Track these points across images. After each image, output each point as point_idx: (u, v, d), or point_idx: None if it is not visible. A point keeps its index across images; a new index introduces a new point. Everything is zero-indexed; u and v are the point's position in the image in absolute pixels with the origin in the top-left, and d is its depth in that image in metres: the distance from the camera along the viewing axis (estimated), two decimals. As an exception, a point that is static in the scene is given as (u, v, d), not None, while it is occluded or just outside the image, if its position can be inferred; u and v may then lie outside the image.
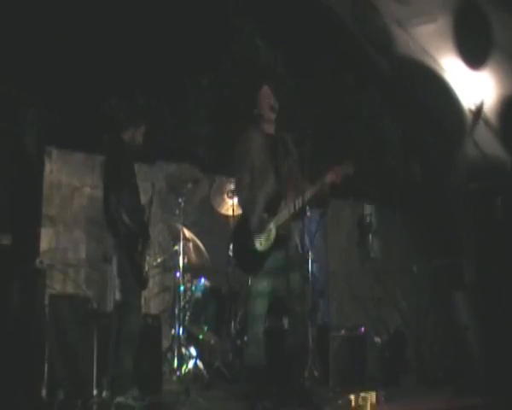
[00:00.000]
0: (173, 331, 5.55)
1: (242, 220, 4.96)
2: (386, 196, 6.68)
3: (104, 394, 4.64)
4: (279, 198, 4.77)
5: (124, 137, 4.75)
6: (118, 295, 4.65)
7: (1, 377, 3.65)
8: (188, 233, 5.81)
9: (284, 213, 4.71)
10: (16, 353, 3.72)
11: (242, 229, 4.82)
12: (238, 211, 5.64)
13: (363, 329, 5.62)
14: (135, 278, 4.62)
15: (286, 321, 5.08)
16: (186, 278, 5.68)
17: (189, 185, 5.72)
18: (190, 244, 5.84)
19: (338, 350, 5.41)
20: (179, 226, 5.73)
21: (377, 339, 5.78)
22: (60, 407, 3.95)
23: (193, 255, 5.84)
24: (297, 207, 4.78)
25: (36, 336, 3.84)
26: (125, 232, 4.55)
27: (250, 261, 4.76)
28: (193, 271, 5.80)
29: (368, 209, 6.92)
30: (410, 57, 6.69)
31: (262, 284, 4.73)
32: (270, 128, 4.88)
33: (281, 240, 4.73)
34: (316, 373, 5.17)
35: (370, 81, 7.10)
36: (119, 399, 4.47)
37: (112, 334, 4.63)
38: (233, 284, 5.58)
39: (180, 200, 5.67)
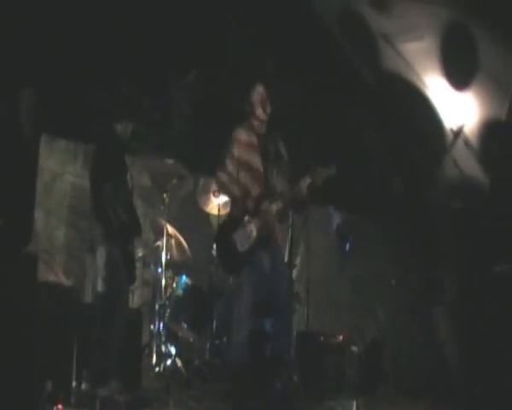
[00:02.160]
0: (152, 327, 5.52)
1: (225, 220, 4.96)
2: (366, 205, 6.77)
3: (83, 386, 4.57)
4: (262, 198, 4.79)
5: (116, 127, 4.71)
6: (102, 287, 4.57)
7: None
8: (171, 229, 5.76)
9: (267, 214, 4.72)
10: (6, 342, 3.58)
11: (225, 228, 4.82)
12: (224, 210, 5.65)
13: (341, 337, 5.68)
14: (125, 272, 4.57)
15: (269, 323, 5.10)
16: (167, 274, 5.64)
17: (174, 181, 5.71)
18: (173, 241, 5.79)
19: (316, 357, 5.47)
20: (162, 222, 5.69)
21: (354, 348, 5.84)
22: (48, 398, 3.83)
23: (175, 252, 5.78)
24: (279, 208, 4.83)
25: (26, 326, 3.71)
26: (117, 224, 4.48)
27: (231, 261, 4.76)
28: (174, 267, 5.76)
29: (347, 217, 7.00)
30: (395, 72, 6.82)
31: (245, 285, 4.75)
32: (261, 128, 4.90)
33: (263, 241, 4.74)
34: (295, 378, 5.22)
35: (355, 91, 7.22)
36: (100, 391, 4.42)
37: (95, 326, 4.56)
38: (215, 283, 5.58)
39: (165, 195, 5.64)
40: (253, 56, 6.28)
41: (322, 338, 5.51)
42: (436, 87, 6.80)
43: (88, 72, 5.49)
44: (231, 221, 4.76)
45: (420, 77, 6.92)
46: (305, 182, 4.65)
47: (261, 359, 4.79)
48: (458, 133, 6.74)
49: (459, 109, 6.74)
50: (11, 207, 3.90)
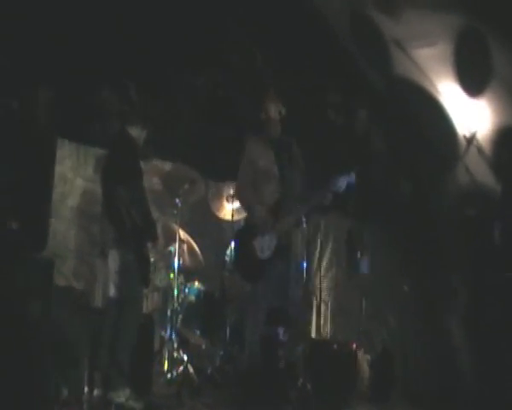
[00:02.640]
0: (164, 333, 5.46)
1: (244, 226, 4.91)
2: (376, 212, 6.72)
3: (96, 392, 4.51)
4: (281, 205, 4.75)
5: (131, 130, 4.67)
6: (114, 292, 4.53)
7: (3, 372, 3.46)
8: (183, 234, 5.72)
9: (286, 222, 4.68)
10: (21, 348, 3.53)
11: (244, 235, 4.78)
12: (237, 216, 5.60)
13: (354, 345, 5.63)
14: (139, 276, 4.52)
15: (282, 331, 5.06)
16: (179, 280, 5.59)
17: (186, 186, 5.66)
18: (185, 246, 5.75)
19: (330, 365, 5.41)
20: (174, 227, 5.64)
21: (366, 355, 5.79)
22: (62, 404, 3.78)
23: (187, 257, 5.74)
24: (299, 216, 4.79)
25: (41, 331, 3.66)
26: (131, 228, 4.44)
27: (251, 268, 4.71)
28: (186, 273, 5.72)
29: (357, 225, 6.95)
30: (406, 77, 6.77)
31: (261, 292, 4.70)
32: (275, 133, 4.86)
33: (282, 249, 4.70)
34: (308, 386, 5.16)
35: (363, 96, 7.18)
36: (112, 398, 4.37)
37: (107, 331, 4.51)
38: (228, 289, 5.53)
39: (177, 200, 5.59)
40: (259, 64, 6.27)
41: (335, 346, 5.49)
42: (449, 93, 6.75)
43: (100, 74, 5.46)
44: (251, 228, 4.72)
45: (433, 83, 6.88)
46: (327, 189, 4.62)
47: (275, 367, 4.75)
48: (471, 140, 6.70)
49: (472, 116, 6.69)
50: (26, 210, 3.86)
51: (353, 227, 7.02)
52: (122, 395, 4.43)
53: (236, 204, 5.62)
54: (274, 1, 6.61)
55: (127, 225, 4.45)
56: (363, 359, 5.70)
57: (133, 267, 4.50)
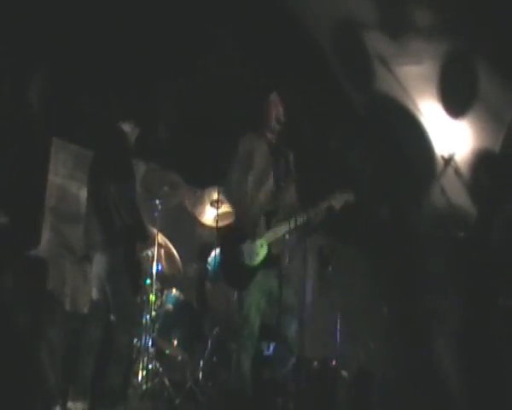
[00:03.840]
0: (138, 343, 5.14)
1: (233, 230, 4.70)
2: (351, 231, 6.63)
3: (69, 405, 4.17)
4: (274, 213, 4.57)
5: (124, 127, 4.40)
6: (99, 298, 4.20)
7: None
8: (161, 238, 5.42)
9: (278, 231, 4.50)
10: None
11: (232, 239, 4.56)
12: (222, 222, 5.37)
13: (334, 362, 5.48)
14: (130, 281, 4.21)
15: (272, 347, 4.85)
16: (155, 286, 5.30)
17: (166, 188, 5.38)
18: (162, 251, 5.46)
19: (311, 381, 5.25)
20: (153, 230, 5.35)
21: (344, 373, 5.65)
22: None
23: (165, 263, 5.42)
24: (292, 228, 4.62)
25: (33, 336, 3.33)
26: (121, 230, 4.13)
27: (237, 274, 4.49)
28: (163, 280, 5.42)
29: (329, 241, 6.84)
30: (388, 94, 6.76)
31: (250, 303, 4.49)
32: (274, 140, 4.68)
33: (272, 259, 4.51)
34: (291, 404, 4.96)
35: (342, 114, 7.11)
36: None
37: (89, 342, 4.18)
38: (210, 300, 5.27)
39: (157, 202, 5.30)
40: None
41: (315, 363, 5.33)
42: (431, 113, 6.78)
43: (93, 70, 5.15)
44: (241, 232, 4.49)
45: (415, 102, 6.88)
46: (324, 205, 4.47)
47: (261, 384, 4.54)
48: (449, 161, 6.76)
49: (453, 137, 6.75)
50: (18, 207, 3.55)
51: (325, 244, 6.93)
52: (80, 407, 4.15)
53: (222, 210, 5.41)
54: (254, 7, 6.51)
55: (116, 226, 4.17)
56: (342, 377, 5.59)
57: (122, 272, 4.22)
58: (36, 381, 3.51)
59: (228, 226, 5.14)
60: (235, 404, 4.45)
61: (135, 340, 4.96)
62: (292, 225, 4.50)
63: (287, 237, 4.58)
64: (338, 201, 4.47)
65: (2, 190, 3.64)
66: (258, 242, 4.39)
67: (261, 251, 4.39)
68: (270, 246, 4.42)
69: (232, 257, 4.43)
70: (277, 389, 4.58)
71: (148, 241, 5.26)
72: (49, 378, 3.92)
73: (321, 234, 7.03)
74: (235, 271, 4.44)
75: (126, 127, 4.35)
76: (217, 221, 5.37)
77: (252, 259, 4.35)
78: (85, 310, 4.75)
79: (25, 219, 3.76)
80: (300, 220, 4.50)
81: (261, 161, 4.59)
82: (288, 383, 4.70)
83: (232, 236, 4.57)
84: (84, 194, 4.90)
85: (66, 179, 5.55)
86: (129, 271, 4.09)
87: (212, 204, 5.44)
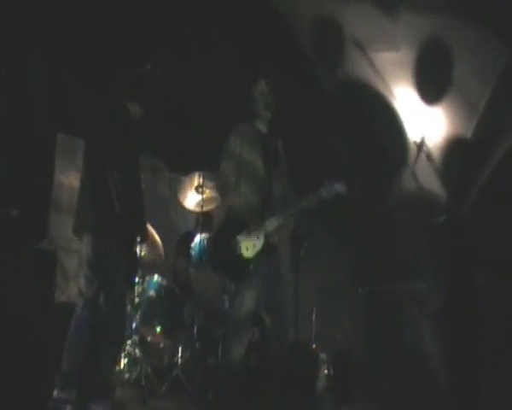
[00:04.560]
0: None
1: (227, 221, 4.64)
2: (324, 214, 6.65)
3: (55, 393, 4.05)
4: (267, 204, 4.54)
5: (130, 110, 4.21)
6: (86, 284, 4.08)
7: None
8: (143, 224, 5.32)
9: (274, 221, 4.48)
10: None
11: (228, 229, 4.51)
12: (207, 207, 5.30)
13: (314, 345, 5.54)
14: (124, 274, 4.08)
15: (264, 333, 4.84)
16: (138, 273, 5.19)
17: (148, 173, 5.27)
18: (143, 236, 5.36)
19: (294, 365, 5.28)
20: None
21: (323, 355, 5.72)
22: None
23: (147, 248, 5.33)
24: (287, 218, 4.59)
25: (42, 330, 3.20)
26: (120, 216, 3.99)
27: (233, 265, 4.45)
28: (145, 266, 5.32)
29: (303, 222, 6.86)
30: (362, 80, 6.78)
31: (245, 293, 4.47)
32: (263, 127, 4.64)
33: (270, 250, 4.49)
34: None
35: (314, 96, 7.09)
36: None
37: (77, 330, 4.06)
38: (193, 285, 5.21)
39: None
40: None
41: (298, 347, 5.37)
42: (405, 99, 6.81)
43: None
44: (233, 223, 4.45)
45: (389, 87, 6.90)
46: (317, 196, 4.46)
47: (256, 370, 4.55)
48: (421, 146, 6.86)
49: (426, 123, 6.85)
50: (26, 198, 3.39)
51: (298, 225, 6.96)
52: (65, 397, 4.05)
53: (206, 195, 5.34)
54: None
55: (115, 212, 4.00)
56: (322, 359, 5.66)
57: (115, 260, 4.08)
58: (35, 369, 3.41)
59: (207, 213, 5.10)
60: (223, 390, 4.45)
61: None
62: (286, 216, 4.51)
63: (281, 228, 4.61)
64: (329, 192, 4.49)
65: (10, 184, 3.47)
66: (255, 233, 4.37)
67: (258, 243, 4.38)
68: (266, 237, 4.42)
69: (229, 250, 4.39)
70: (265, 375, 4.60)
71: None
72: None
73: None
74: (232, 263, 4.41)
75: (132, 107, 4.19)
76: (201, 206, 5.33)
77: (248, 250, 4.34)
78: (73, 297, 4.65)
79: (32, 212, 3.60)
80: (293, 212, 4.51)
81: (251, 150, 4.55)
82: (276, 368, 4.76)
83: (228, 228, 4.53)
84: (67, 181, 4.78)
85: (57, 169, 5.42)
86: (124, 264, 3.99)
87: (196, 189, 5.38)
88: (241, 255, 4.30)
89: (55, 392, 3.94)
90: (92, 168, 3.96)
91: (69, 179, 5.25)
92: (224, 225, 4.55)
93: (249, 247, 4.32)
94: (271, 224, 4.40)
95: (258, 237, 4.35)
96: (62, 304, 4.46)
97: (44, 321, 3.27)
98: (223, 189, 4.53)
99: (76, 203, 4.10)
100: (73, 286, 4.86)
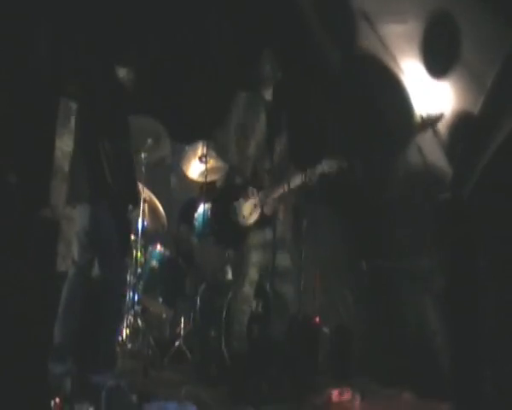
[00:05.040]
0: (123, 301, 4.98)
1: (225, 188, 4.59)
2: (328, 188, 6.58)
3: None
4: (268, 173, 4.47)
5: (118, 73, 4.14)
6: (81, 255, 4.02)
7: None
8: (145, 193, 5.24)
9: (272, 192, 4.42)
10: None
11: (225, 195, 4.45)
12: (211, 177, 5.23)
13: (317, 318, 5.49)
14: (119, 243, 4.03)
15: (267, 306, 4.81)
16: (140, 242, 5.13)
17: (149, 141, 5.18)
18: (146, 206, 5.28)
19: (297, 339, 5.23)
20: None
21: (326, 329, 5.67)
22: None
23: (149, 218, 5.27)
24: (286, 190, 4.53)
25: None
26: (113, 186, 3.92)
27: (231, 232, 4.39)
28: (148, 236, 5.25)
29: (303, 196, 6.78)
30: (368, 52, 6.67)
31: (245, 263, 4.41)
32: (267, 96, 4.56)
33: (267, 219, 4.43)
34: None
35: (318, 68, 6.98)
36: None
37: (71, 300, 4.00)
38: (196, 256, 5.15)
39: (143, 156, 5.10)
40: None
41: (301, 319, 5.32)
42: (412, 73, 6.70)
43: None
44: (233, 190, 4.37)
45: (396, 61, 6.77)
46: (318, 170, 4.39)
47: (258, 343, 4.50)
48: (428, 122, 6.78)
49: (433, 98, 6.77)
50: (26, 164, 3.30)
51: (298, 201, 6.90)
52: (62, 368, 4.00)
53: (210, 164, 5.25)
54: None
55: (108, 180, 3.94)
56: (324, 334, 5.62)
57: (110, 229, 4.02)
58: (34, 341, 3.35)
59: (219, 183, 5.03)
60: (224, 362, 4.42)
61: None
62: (285, 187, 4.45)
63: (280, 198, 4.54)
64: (331, 167, 4.43)
65: (11, 150, 3.39)
66: (252, 201, 4.30)
67: (255, 211, 4.32)
68: (263, 207, 4.35)
69: (224, 214, 4.33)
70: (269, 348, 4.56)
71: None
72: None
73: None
74: (228, 229, 4.36)
75: (121, 72, 4.11)
76: (205, 176, 5.25)
77: (245, 218, 4.27)
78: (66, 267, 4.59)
79: (34, 179, 3.52)
80: (294, 184, 4.44)
81: (254, 118, 4.48)
82: (280, 342, 4.72)
83: (224, 193, 4.48)
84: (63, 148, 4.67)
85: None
86: (120, 229, 3.93)
87: (200, 159, 5.29)
88: (237, 222, 4.25)
89: (50, 365, 3.93)
90: (83, 138, 3.92)
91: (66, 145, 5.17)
92: (222, 190, 4.51)
93: (246, 215, 4.26)
94: (269, 193, 4.35)
95: (255, 206, 4.30)
96: (64, 274, 4.39)
97: (46, 294, 3.19)
98: (224, 154, 4.48)
99: (68, 172, 4.07)
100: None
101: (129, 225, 4.21)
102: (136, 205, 4.30)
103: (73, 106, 4.57)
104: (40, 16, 4.09)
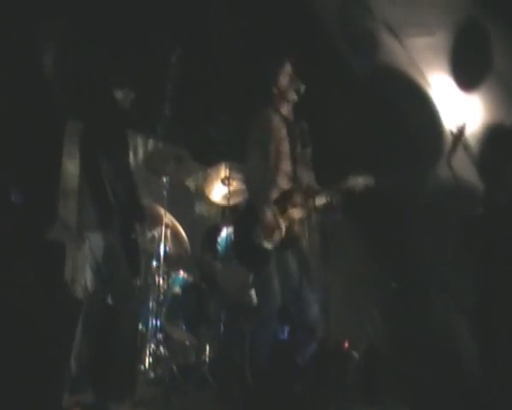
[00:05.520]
0: (144, 328, 4.90)
1: (247, 212, 4.46)
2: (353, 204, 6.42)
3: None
4: (292, 193, 4.34)
5: (116, 95, 4.09)
6: (95, 283, 3.96)
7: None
8: (168, 217, 5.17)
9: (296, 211, 4.28)
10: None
11: (247, 221, 4.32)
12: (234, 200, 5.13)
13: (346, 344, 5.34)
14: (128, 263, 3.96)
15: (287, 331, 4.68)
16: (162, 269, 5.05)
17: (171, 164, 5.11)
18: (168, 231, 5.21)
19: (325, 363, 5.09)
20: (158, 208, 5.09)
21: (355, 352, 5.52)
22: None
23: (171, 244, 5.19)
24: (311, 208, 4.39)
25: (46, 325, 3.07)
26: (117, 207, 3.86)
27: (253, 256, 4.27)
28: (170, 261, 5.17)
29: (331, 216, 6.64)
30: (395, 66, 6.52)
31: (268, 287, 4.29)
32: (289, 112, 4.43)
33: (292, 240, 4.29)
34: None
35: (341, 85, 6.85)
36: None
37: (86, 329, 3.93)
38: (219, 281, 5.04)
39: (164, 179, 5.03)
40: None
41: (330, 344, 5.18)
42: (440, 87, 6.54)
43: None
44: (255, 210, 4.25)
45: (423, 74, 6.59)
46: (344, 187, 4.25)
47: (284, 370, 4.36)
48: (458, 136, 6.59)
49: (462, 112, 6.57)
50: (32, 182, 3.26)
51: (327, 220, 6.75)
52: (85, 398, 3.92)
53: (233, 187, 5.16)
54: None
55: (111, 202, 3.89)
56: (353, 357, 5.46)
57: (120, 253, 3.96)
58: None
59: (242, 204, 4.92)
60: (250, 389, 4.29)
61: (140, 325, 4.81)
62: (310, 206, 4.32)
63: (305, 218, 4.41)
64: (358, 184, 4.28)
65: (18, 169, 3.35)
66: (275, 222, 4.17)
67: (278, 232, 4.19)
68: (288, 227, 4.23)
69: (247, 237, 4.21)
70: (295, 374, 4.43)
71: (153, 221, 5.07)
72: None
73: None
74: (251, 251, 4.23)
75: (118, 94, 4.07)
76: (228, 199, 5.15)
77: (268, 240, 4.15)
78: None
79: (40, 199, 3.48)
80: (319, 202, 4.31)
81: (276, 135, 4.36)
82: (306, 368, 4.58)
83: (246, 214, 4.35)
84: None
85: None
86: (127, 252, 3.86)
87: (222, 181, 5.20)
88: (260, 245, 4.12)
89: (66, 395, 3.86)
90: (86, 159, 3.87)
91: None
92: (246, 212, 4.38)
93: (269, 236, 4.13)
94: (294, 213, 4.21)
95: (278, 227, 4.17)
96: (73, 299, 4.34)
97: (53, 319, 3.11)
98: (247, 175, 4.36)
99: (77, 196, 4.04)
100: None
101: (137, 246, 4.12)
102: (143, 222, 4.22)
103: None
104: (46, 38, 4.06)
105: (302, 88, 4.37)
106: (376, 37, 6.46)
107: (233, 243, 4.60)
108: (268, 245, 4.16)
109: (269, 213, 4.16)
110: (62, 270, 3.26)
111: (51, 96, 3.95)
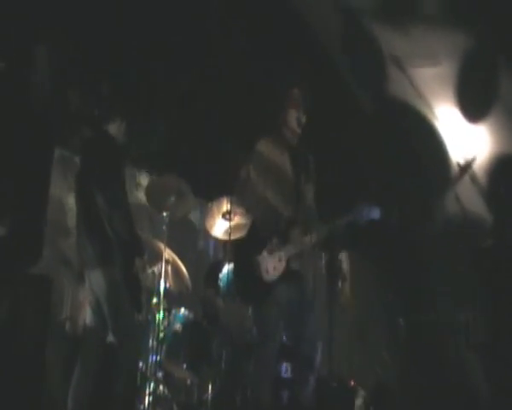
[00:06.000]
0: (144, 366, 4.78)
1: (249, 241, 4.36)
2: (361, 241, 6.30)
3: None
4: (294, 223, 4.23)
5: (109, 127, 4.03)
6: (96, 321, 3.86)
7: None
8: (167, 253, 5.07)
9: (298, 244, 4.16)
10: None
11: (247, 251, 4.22)
12: (235, 235, 5.02)
13: (352, 382, 5.19)
14: (130, 299, 3.87)
15: (288, 367, 4.55)
16: (163, 305, 4.95)
17: (172, 199, 5.03)
18: (169, 267, 5.11)
19: (330, 403, 4.94)
20: (158, 244, 4.99)
21: (362, 392, 5.36)
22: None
23: (172, 280, 5.09)
24: (313, 241, 4.28)
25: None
26: (115, 243, 3.78)
27: (253, 289, 4.14)
28: (171, 298, 5.06)
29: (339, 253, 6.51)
30: (401, 98, 6.46)
31: (268, 322, 4.16)
32: (293, 141, 4.34)
33: (294, 273, 4.18)
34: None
35: (349, 114, 6.79)
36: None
37: (86, 367, 3.83)
38: (221, 318, 4.92)
39: (164, 214, 4.95)
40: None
41: (334, 384, 5.03)
42: (447, 117, 6.46)
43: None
44: (256, 243, 4.14)
45: (429, 105, 6.53)
46: (347, 219, 4.14)
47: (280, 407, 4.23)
48: (465, 168, 6.49)
49: (469, 143, 6.48)
50: (19, 219, 3.18)
51: (333, 256, 6.63)
52: None
53: (234, 222, 5.07)
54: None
55: (109, 237, 3.80)
56: (360, 395, 5.31)
57: (121, 290, 3.87)
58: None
59: (238, 241, 4.81)
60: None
61: (140, 363, 4.68)
62: (313, 238, 4.20)
63: (307, 250, 4.30)
64: (362, 216, 4.17)
65: (2, 201, 3.28)
66: (277, 254, 4.07)
67: (279, 265, 4.08)
68: (289, 260, 4.12)
69: (247, 270, 4.10)
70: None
71: (153, 257, 4.97)
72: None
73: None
74: (251, 285, 4.11)
75: (111, 127, 4.02)
76: (229, 234, 5.05)
77: (269, 273, 4.04)
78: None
79: (25, 232, 3.39)
80: (321, 234, 4.20)
81: (280, 166, 4.27)
82: (309, 407, 4.43)
83: (247, 246, 4.23)
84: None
85: (64, 191, 5.26)
86: (128, 288, 3.77)
87: (224, 216, 5.10)
88: (260, 278, 4.01)
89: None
90: (81, 197, 3.82)
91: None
92: (245, 244, 4.27)
93: (270, 269, 4.02)
94: (296, 246, 4.10)
95: (280, 260, 4.05)
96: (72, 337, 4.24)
97: (41, 355, 3.01)
98: (248, 206, 4.27)
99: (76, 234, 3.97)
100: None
101: (139, 282, 4.03)
102: (142, 257, 4.13)
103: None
104: (42, 66, 4.03)
105: (307, 119, 4.32)
106: (382, 69, 6.42)
107: (234, 278, 4.49)
108: (269, 277, 4.06)
109: (272, 244, 4.08)
110: (48, 305, 3.17)
111: (42, 126, 3.88)
